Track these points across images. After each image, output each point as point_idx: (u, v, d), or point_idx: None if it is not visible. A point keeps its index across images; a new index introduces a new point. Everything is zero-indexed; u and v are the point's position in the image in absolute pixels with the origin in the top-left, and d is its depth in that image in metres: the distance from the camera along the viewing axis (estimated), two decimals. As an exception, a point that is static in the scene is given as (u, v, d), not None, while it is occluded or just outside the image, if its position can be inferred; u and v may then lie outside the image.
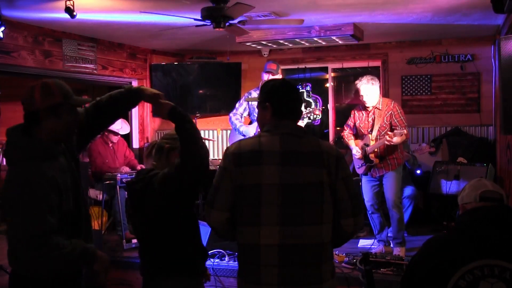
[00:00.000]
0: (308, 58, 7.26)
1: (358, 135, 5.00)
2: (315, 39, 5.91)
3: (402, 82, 6.82)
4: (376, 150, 4.72)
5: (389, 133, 4.55)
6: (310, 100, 7.38)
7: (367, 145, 4.80)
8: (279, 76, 5.22)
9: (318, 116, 5.07)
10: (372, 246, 5.08)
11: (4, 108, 6.60)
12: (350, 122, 5.04)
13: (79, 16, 4.33)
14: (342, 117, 7.33)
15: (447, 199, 5.56)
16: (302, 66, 7.36)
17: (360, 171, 4.95)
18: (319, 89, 7.60)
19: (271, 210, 2.10)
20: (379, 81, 4.79)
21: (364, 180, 4.96)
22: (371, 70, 7.17)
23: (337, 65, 7.29)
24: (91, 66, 6.06)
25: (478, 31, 6.03)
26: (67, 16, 4.15)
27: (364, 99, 4.75)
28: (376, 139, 4.74)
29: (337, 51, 7.04)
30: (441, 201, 5.60)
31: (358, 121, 4.92)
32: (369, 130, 4.81)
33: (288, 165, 2.12)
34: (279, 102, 2.25)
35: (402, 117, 4.71)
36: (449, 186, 5.57)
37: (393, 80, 6.84)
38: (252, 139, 2.22)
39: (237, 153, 2.17)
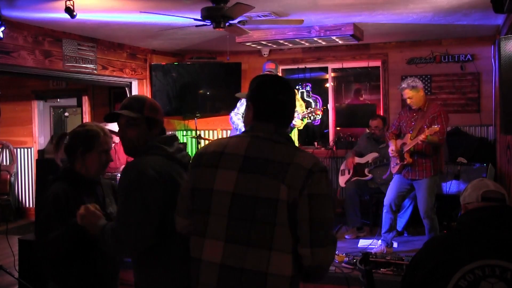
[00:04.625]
0: (308, 58, 7.26)
1: (400, 134, 4.95)
2: (315, 39, 5.91)
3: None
4: (412, 149, 4.66)
5: (425, 129, 4.48)
6: (310, 100, 7.39)
7: (405, 144, 4.77)
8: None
9: (318, 116, 5.06)
10: (371, 245, 5.08)
11: (4, 108, 6.60)
12: (395, 121, 5.02)
13: (79, 16, 4.33)
14: (342, 117, 7.34)
15: (447, 199, 5.56)
16: (302, 66, 7.36)
17: (394, 170, 4.91)
18: (319, 89, 7.61)
19: (219, 222, 1.80)
20: (421, 83, 4.75)
21: (396, 177, 4.91)
22: (371, 70, 7.18)
23: (337, 65, 7.30)
24: (91, 66, 6.05)
25: (478, 31, 6.04)
26: (67, 16, 4.15)
27: (408, 103, 4.73)
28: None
29: (337, 51, 7.04)
30: (441, 201, 5.60)
31: (403, 120, 4.88)
32: (410, 130, 4.75)
33: (248, 172, 1.80)
34: (262, 103, 1.93)
35: (443, 122, 4.60)
36: (449, 186, 5.57)
37: (393, 80, 6.84)
38: (224, 139, 1.95)
39: (201, 153, 1.94)
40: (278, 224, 1.74)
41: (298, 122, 4.93)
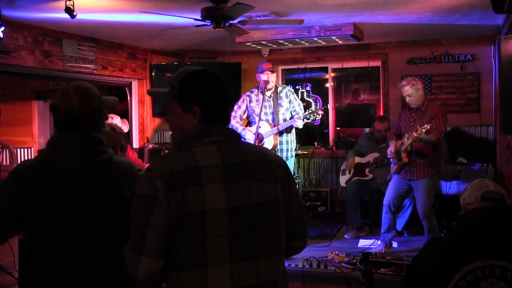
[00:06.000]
0: (308, 58, 7.25)
1: (401, 135, 4.94)
2: (315, 39, 5.91)
3: (402, 82, 6.82)
4: (409, 149, 4.65)
5: (418, 127, 4.46)
6: (310, 100, 7.38)
7: (403, 144, 4.78)
8: (274, 75, 5.18)
9: (319, 116, 5.05)
10: (372, 246, 5.08)
11: (4, 108, 6.60)
12: (396, 121, 5.03)
13: (79, 16, 4.33)
14: (342, 117, 7.34)
15: (447, 199, 5.57)
16: (302, 66, 7.36)
17: (392, 170, 4.91)
18: (319, 89, 7.61)
19: (220, 245, 1.58)
20: (421, 83, 4.76)
21: (394, 178, 4.91)
22: (371, 70, 7.18)
23: (337, 65, 7.30)
24: (91, 66, 6.05)
25: (478, 31, 6.03)
26: (67, 16, 4.15)
27: (407, 101, 4.74)
28: None
29: (337, 51, 7.04)
30: (441, 201, 5.60)
31: (403, 121, 4.88)
32: (409, 130, 4.73)
33: (235, 181, 1.63)
34: (213, 106, 1.71)
35: (441, 122, 4.59)
36: (449, 186, 5.57)
37: (393, 80, 6.84)
38: (182, 153, 1.64)
39: (168, 174, 1.58)
40: (281, 226, 1.72)
41: (299, 123, 4.93)
